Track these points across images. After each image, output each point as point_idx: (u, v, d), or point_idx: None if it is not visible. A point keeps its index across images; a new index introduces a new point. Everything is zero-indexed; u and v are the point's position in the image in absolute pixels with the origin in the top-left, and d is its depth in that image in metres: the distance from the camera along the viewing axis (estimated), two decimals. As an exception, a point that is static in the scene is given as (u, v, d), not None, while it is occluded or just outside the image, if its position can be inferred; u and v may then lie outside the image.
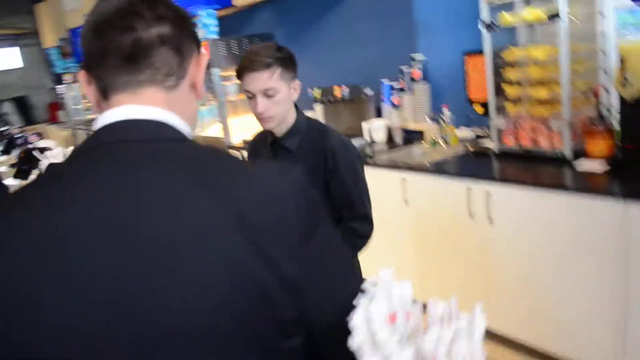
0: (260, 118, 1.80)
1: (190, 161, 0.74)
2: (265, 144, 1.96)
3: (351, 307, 0.70)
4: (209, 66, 5.24)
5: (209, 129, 5.56)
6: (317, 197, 0.81)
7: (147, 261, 0.66)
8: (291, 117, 1.86)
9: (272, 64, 1.73)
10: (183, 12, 0.81)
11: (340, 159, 1.80)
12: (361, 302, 0.71)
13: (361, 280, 0.77)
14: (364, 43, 4.22)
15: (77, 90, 10.47)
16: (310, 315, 0.74)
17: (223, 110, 4.83)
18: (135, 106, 0.76)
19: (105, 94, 0.78)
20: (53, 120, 14.07)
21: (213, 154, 0.77)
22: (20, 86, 16.97)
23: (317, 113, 4.53)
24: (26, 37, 16.50)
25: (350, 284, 0.79)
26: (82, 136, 10.12)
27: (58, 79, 11.52)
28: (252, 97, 1.77)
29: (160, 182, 0.70)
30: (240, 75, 1.77)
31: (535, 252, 2.54)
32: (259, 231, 0.70)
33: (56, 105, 13.12)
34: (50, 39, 12.15)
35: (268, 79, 1.73)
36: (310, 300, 0.74)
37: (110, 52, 0.75)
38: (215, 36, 4.97)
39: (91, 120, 10.25)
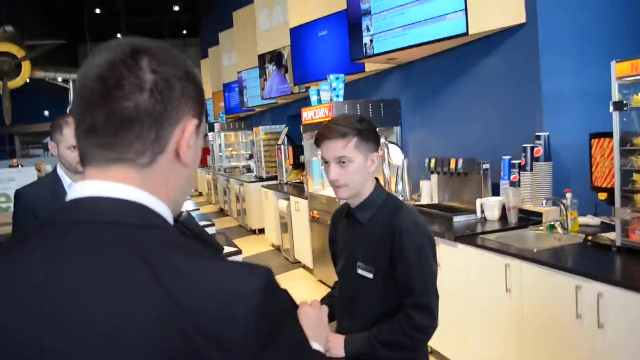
0: (333, 186, 1.77)
1: (140, 251, 0.67)
2: (343, 215, 1.92)
3: None
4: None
5: (328, 189, 5.63)
6: (284, 301, 0.73)
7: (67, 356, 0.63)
8: (367, 190, 1.80)
9: (349, 133, 1.71)
10: (176, 70, 0.74)
11: (407, 239, 1.69)
12: None
13: None
14: (487, 116, 4.04)
15: (222, 139, 11.29)
16: None
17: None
18: (102, 182, 0.72)
19: (82, 164, 0.75)
20: (203, 164, 15.34)
21: (173, 245, 0.70)
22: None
23: (432, 183, 4.40)
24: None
25: None
26: (222, 181, 10.81)
27: (210, 127, 12.51)
28: (327, 164, 1.75)
29: (95, 273, 0.66)
30: (317, 142, 1.77)
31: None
32: (202, 335, 0.63)
33: (206, 151, 14.30)
34: (208, 90, 13.32)
35: (342, 147, 1.71)
36: None
37: (82, 122, 0.72)
38: (341, 99, 5.08)
39: (234, 168, 10.97)
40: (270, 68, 7.83)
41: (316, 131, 5.61)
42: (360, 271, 1.76)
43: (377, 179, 1.86)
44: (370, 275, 1.73)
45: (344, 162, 1.72)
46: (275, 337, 0.68)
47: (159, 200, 0.74)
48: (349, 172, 1.73)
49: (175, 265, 0.66)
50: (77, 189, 0.73)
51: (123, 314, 0.63)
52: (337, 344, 1.70)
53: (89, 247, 0.67)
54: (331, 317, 1.94)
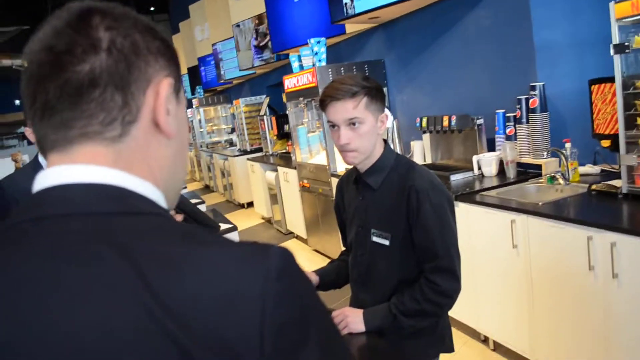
0: (343, 151, 1.66)
1: (119, 243, 0.54)
2: (350, 181, 1.81)
3: None
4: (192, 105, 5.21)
5: (316, 157, 5.52)
6: (308, 287, 0.60)
7: None
8: (377, 152, 1.69)
9: (358, 92, 1.59)
10: (136, 24, 0.62)
11: (425, 201, 1.58)
12: None
13: None
14: (477, 70, 3.93)
15: (202, 115, 11.05)
16: None
17: (329, 137, 4.75)
18: (68, 167, 0.59)
19: (43, 152, 0.63)
20: (183, 141, 15.10)
21: (162, 232, 0.58)
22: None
23: (424, 143, 4.31)
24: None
25: None
26: (204, 157, 10.63)
27: (188, 104, 12.25)
28: (335, 128, 1.63)
29: (63, 280, 0.52)
30: (323, 104, 1.64)
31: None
32: (201, 348, 0.50)
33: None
34: (183, 66, 13.00)
35: (353, 108, 1.59)
36: None
37: (35, 102, 0.60)
38: (324, 63, 4.93)
39: (216, 143, 10.78)
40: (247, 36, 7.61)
41: (301, 98, 5.45)
42: (375, 238, 1.66)
43: (385, 140, 1.74)
44: (387, 242, 1.64)
45: (354, 124, 1.60)
46: (304, 340, 0.55)
47: (143, 180, 0.61)
48: (361, 134, 1.61)
49: (163, 256, 0.53)
50: (40, 179, 0.60)
51: (96, 325, 0.50)
52: (356, 319, 1.62)
53: (56, 248, 0.54)
54: (321, 287, 1.85)
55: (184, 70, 13.02)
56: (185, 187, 5.48)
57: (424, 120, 4.02)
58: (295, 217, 6.14)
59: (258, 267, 0.54)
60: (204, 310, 0.51)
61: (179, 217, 2.17)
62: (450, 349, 1.78)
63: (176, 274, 0.52)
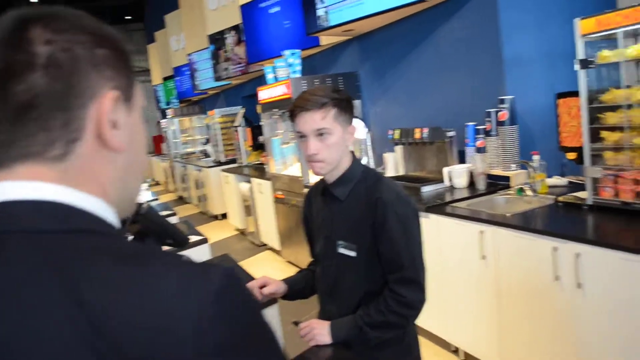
0: (310, 161, 1.66)
1: (56, 263, 0.52)
2: (318, 192, 1.81)
3: None
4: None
5: (290, 168, 5.52)
6: (247, 306, 0.59)
7: None
8: (345, 164, 1.70)
9: (327, 104, 1.60)
10: (80, 34, 0.59)
11: (391, 213, 1.59)
12: None
13: None
14: (449, 82, 3.98)
15: (177, 125, 10.97)
16: None
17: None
18: (11, 183, 0.57)
19: None
20: (157, 152, 14.98)
21: (104, 251, 0.56)
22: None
23: (396, 155, 4.34)
24: (139, 75, 17.88)
25: None
26: (179, 168, 10.54)
27: (163, 114, 12.15)
28: (304, 138, 1.63)
29: (7, 293, 0.51)
30: (293, 114, 1.65)
31: (632, 325, 2.14)
32: None
33: (160, 138, 13.94)
34: (158, 76, 12.94)
35: (321, 119, 1.60)
36: None
37: None
38: (299, 75, 4.94)
39: (190, 154, 10.70)
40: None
41: (275, 109, 5.45)
42: (341, 250, 1.66)
43: (352, 153, 1.75)
44: (353, 254, 1.64)
45: (322, 135, 1.61)
46: (250, 345, 0.55)
47: (92, 196, 0.60)
48: (329, 145, 1.61)
49: (101, 277, 0.52)
50: None
51: (25, 342, 0.49)
52: (322, 331, 1.61)
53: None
54: (290, 296, 1.85)
55: (158, 80, 12.95)
56: (157, 199, 5.42)
57: (397, 132, 4.05)
58: (269, 228, 6.11)
59: (195, 290, 0.53)
60: (137, 333, 0.50)
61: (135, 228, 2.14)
62: (417, 359, 1.78)
63: (112, 296, 0.51)
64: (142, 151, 0.69)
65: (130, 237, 2.35)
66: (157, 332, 0.50)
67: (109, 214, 0.62)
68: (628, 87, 2.49)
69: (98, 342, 0.49)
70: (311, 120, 1.60)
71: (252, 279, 1.92)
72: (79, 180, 0.59)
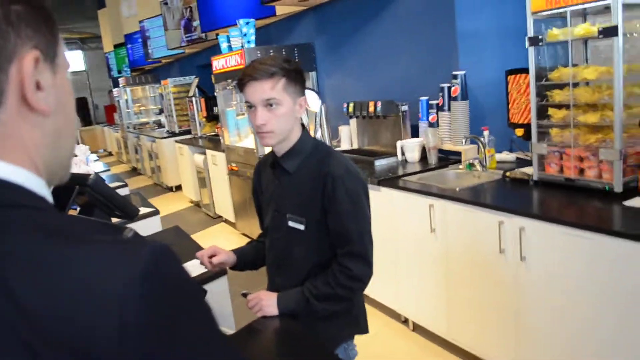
0: (259, 132, 1.63)
1: None
2: (267, 165, 1.79)
3: None
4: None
5: (245, 140, 5.46)
6: (179, 286, 0.56)
7: None
8: (294, 137, 1.68)
9: (276, 73, 1.57)
10: None
11: (340, 187, 1.59)
12: None
13: None
14: (403, 57, 3.99)
15: (129, 94, 10.67)
16: None
17: (257, 121, 4.71)
18: None
19: None
20: (110, 122, 14.56)
21: (32, 228, 0.53)
22: (84, 88, 17.77)
23: (351, 128, 4.34)
24: (90, 41, 17.23)
25: None
26: (132, 139, 10.29)
27: (115, 83, 11.79)
28: (252, 108, 1.60)
29: None
30: (241, 84, 1.61)
31: (571, 296, 2.23)
32: (58, 353, 0.47)
33: (113, 108, 13.53)
34: (109, 44, 12.50)
35: (270, 89, 1.57)
36: None
37: None
38: (253, 45, 4.86)
39: (144, 124, 10.44)
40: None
41: (229, 80, 5.34)
42: (290, 223, 1.66)
43: (303, 125, 1.73)
44: (302, 227, 1.63)
45: (271, 105, 1.58)
46: (171, 342, 0.53)
47: (18, 167, 0.56)
48: (278, 116, 1.59)
49: (24, 254, 0.49)
50: None
51: None
52: (269, 302, 1.61)
53: None
54: (239, 267, 1.85)
55: (109, 47, 12.49)
56: (109, 170, 5.28)
57: (351, 105, 4.05)
58: (223, 200, 6.07)
59: (123, 269, 0.51)
60: (60, 312, 0.48)
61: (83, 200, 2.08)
62: (364, 330, 1.81)
63: (35, 274, 0.49)
64: (71, 114, 0.66)
65: (77, 209, 2.28)
66: (79, 311, 0.48)
67: (38, 186, 0.58)
68: (575, 65, 2.55)
69: (20, 322, 0.47)
70: (260, 89, 1.57)
71: (201, 249, 1.90)
72: (4, 150, 0.56)
